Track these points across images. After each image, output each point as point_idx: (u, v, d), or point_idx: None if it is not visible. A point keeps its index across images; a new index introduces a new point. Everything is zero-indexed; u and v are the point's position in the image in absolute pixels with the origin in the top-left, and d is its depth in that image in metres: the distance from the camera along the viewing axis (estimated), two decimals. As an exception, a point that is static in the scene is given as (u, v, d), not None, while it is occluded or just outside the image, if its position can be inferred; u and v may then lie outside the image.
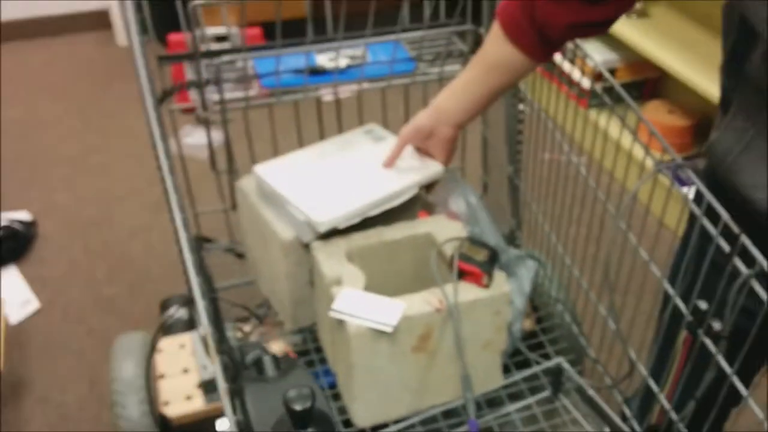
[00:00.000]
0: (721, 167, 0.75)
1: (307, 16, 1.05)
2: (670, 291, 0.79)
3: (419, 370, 0.92)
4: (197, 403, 1.30)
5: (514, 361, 1.05)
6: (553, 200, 1.09)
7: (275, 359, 0.54)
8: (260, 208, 1.04)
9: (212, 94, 1.01)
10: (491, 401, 0.99)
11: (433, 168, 0.99)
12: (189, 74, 1.05)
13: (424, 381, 0.94)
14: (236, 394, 0.53)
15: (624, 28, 2.09)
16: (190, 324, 1.46)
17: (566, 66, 2.30)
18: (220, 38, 1.27)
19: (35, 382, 1.61)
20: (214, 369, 0.54)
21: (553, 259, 1.11)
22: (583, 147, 1.13)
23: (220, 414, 1.31)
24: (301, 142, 1.16)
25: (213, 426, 1.44)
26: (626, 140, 0.96)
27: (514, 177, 1.21)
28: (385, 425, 0.93)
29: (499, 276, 0.91)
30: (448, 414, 0.97)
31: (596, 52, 2.21)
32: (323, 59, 1.11)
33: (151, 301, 1.78)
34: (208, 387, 1.31)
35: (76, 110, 2.57)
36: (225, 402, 0.52)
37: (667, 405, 0.82)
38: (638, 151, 0.93)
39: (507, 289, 0.91)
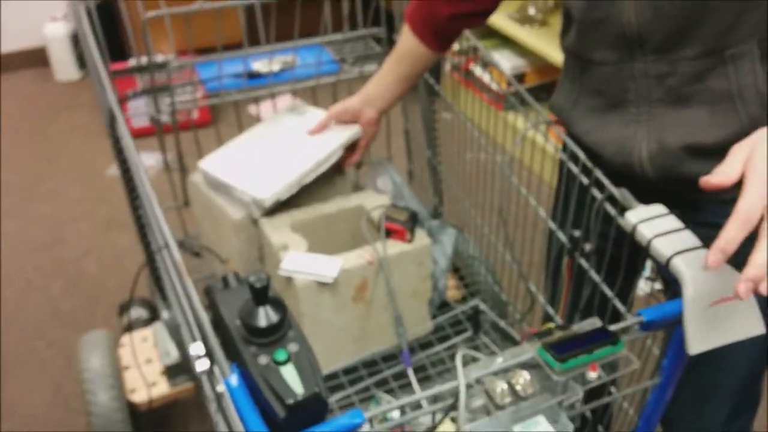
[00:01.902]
0: (561, 120, 0.95)
1: (242, 33, 1.21)
2: (553, 227, 0.98)
3: (359, 319, 1.08)
4: (162, 388, 1.42)
5: (441, 312, 1.22)
6: (478, 189, 1.25)
7: (236, 275, 0.69)
8: (211, 195, 1.19)
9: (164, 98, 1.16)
10: (423, 345, 1.15)
11: (352, 129, 1.15)
12: (141, 85, 1.20)
13: (365, 329, 1.09)
14: (209, 307, 0.68)
15: (529, 36, 2.33)
16: (150, 322, 1.58)
17: (484, 76, 2.54)
18: (160, 65, 1.41)
19: (1, 395, 1.68)
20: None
21: (470, 227, 1.29)
22: (502, 145, 1.28)
23: (183, 395, 1.42)
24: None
25: (177, 408, 1.55)
26: (538, 137, 1.02)
27: (433, 159, 1.40)
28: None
29: (420, 233, 1.09)
30: (386, 359, 1.12)
31: (506, 60, 2.46)
32: (258, 65, 1.27)
33: (108, 312, 1.88)
34: (171, 372, 1.42)
35: (22, 143, 2.64)
36: (196, 302, 0.65)
37: (560, 322, 1.01)
38: (549, 146, 1.00)
39: (427, 243, 1.08)
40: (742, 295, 0.59)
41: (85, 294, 1.97)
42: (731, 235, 0.59)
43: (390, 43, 1.33)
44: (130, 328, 1.56)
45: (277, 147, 1.17)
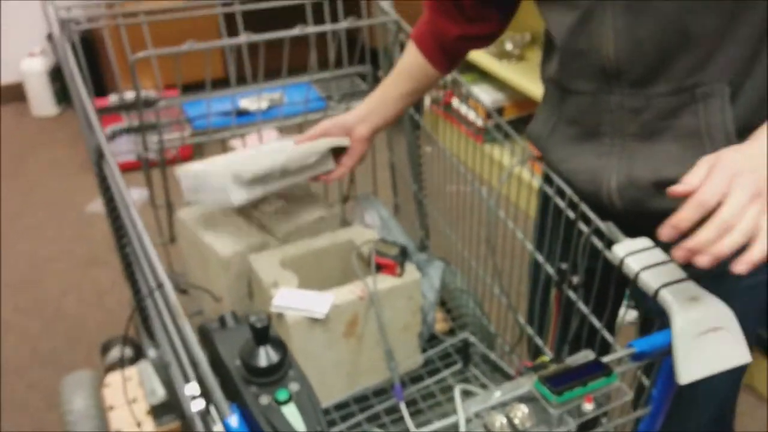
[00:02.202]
0: (538, 148, 0.97)
1: (228, 68, 1.23)
2: (540, 260, 0.99)
3: (350, 354, 1.08)
4: (147, 428, 1.39)
5: (430, 345, 1.22)
6: (461, 220, 1.27)
7: (234, 314, 0.69)
8: (199, 232, 1.19)
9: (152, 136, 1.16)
10: (414, 378, 1.15)
11: (340, 138, 1.10)
12: (126, 123, 1.20)
13: (356, 364, 1.10)
14: (204, 346, 0.68)
15: (506, 71, 2.39)
16: (134, 361, 1.55)
17: (463, 108, 2.59)
18: (148, 103, 1.41)
19: (-23, 438, 1.64)
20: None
21: (456, 260, 1.31)
22: (483, 177, 1.30)
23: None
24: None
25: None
26: (523, 171, 1.04)
27: (419, 193, 1.42)
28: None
29: (409, 267, 1.10)
30: (377, 393, 1.12)
31: (485, 94, 2.51)
32: (246, 103, 1.29)
33: (89, 351, 1.85)
34: (157, 412, 1.40)
35: (-2, 179, 2.62)
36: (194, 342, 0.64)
37: (549, 354, 1.02)
38: (527, 175, 1.04)
39: (417, 277, 1.09)
40: (678, 258, 0.63)
41: (64, 333, 1.93)
42: (685, 214, 0.63)
43: (375, 80, 1.36)
44: (122, 364, 1.54)
45: (260, 153, 1.13)
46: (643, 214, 0.88)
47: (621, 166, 0.87)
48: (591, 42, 0.83)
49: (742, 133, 0.82)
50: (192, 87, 1.32)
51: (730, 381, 0.97)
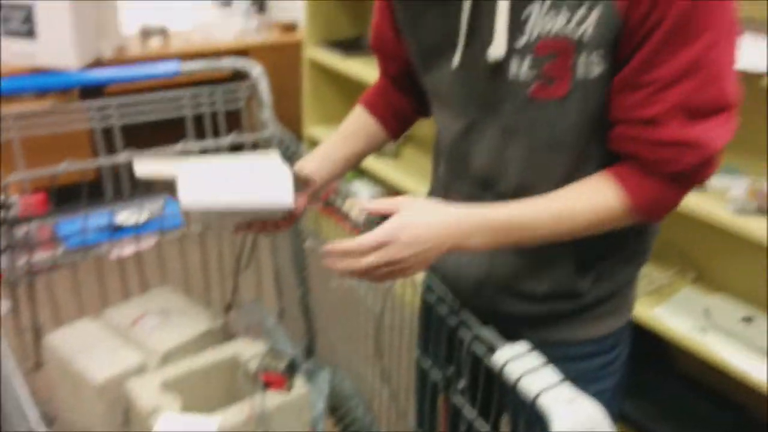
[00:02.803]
0: None
1: (103, 178, 1.19)
2: (426, 365, 1.02)
3: (239, 478, 1.03)
4: None
5: (323, 457, 1.19)
6: (347, 318, 1.28)
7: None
8: (70, 357, 1.11)
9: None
10: (307, 496, 1.11)
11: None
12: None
13: (245, 488, 1.04)
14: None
15: (383, 167, 2.50)
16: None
17: (344, 205, 2.64)
18: (19, 221, 1.31)
19: None
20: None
21: (344, 361, 1.31)
22: None
23: None
24: (104, 297, 1.26)
25: None
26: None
27: (304, 298, 1.42)
28: None
29: (298, 379, 1.09)
30: None
31: (364, 188, 2.60)
32: (123, 217, 1.25)
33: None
34: None
35: None
36: None
37: (441, 458, 1.03)
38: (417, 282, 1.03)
39: (306, 390, 1.08)
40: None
41: None
42: (337, 248, 0.81)
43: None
44: None
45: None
46: (497, 314, 0.95)
47: (482, 265, 0.94)
48: (469, 151, 0.92)
49: (590, 258, 0.91)
50: (63, 191, 1.25)
51: None
